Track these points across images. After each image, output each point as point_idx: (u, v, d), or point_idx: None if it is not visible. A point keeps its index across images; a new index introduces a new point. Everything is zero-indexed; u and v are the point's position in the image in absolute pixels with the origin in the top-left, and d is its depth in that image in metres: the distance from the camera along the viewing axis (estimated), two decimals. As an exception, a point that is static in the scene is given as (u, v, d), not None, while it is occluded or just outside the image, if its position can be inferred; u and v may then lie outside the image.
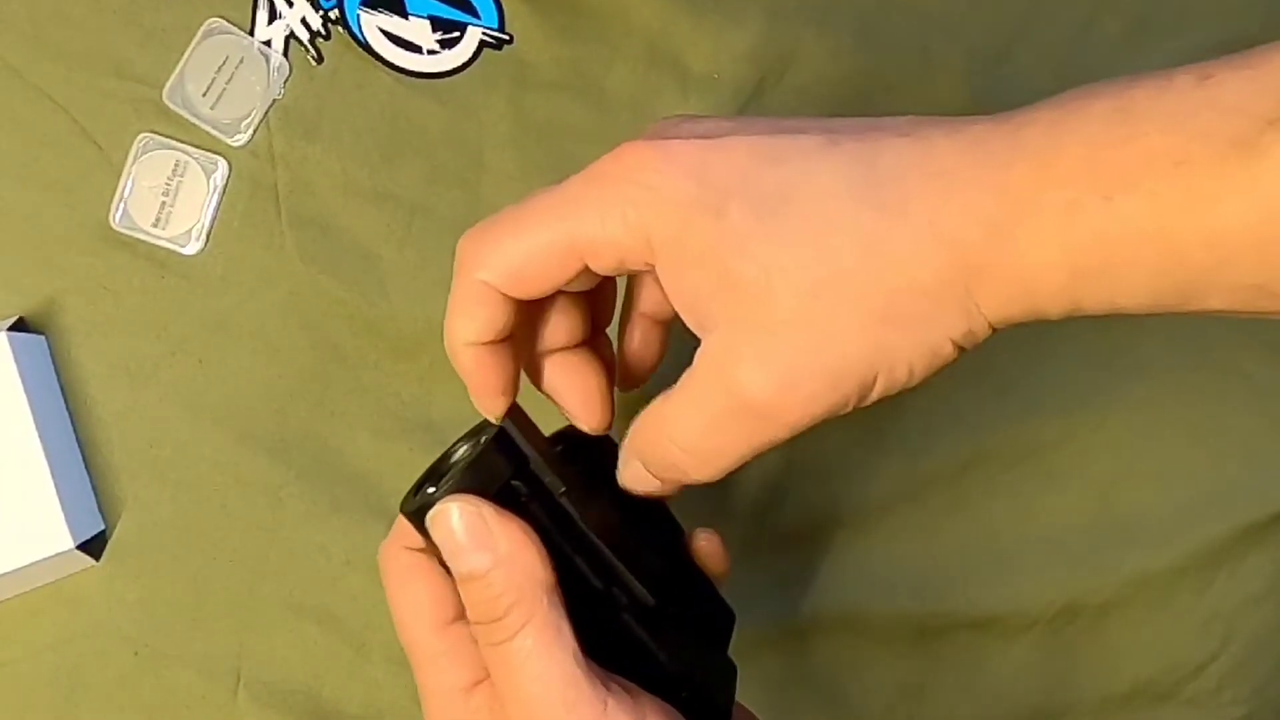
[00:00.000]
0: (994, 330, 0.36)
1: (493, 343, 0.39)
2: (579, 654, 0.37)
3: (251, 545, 0.56)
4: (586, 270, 0.38)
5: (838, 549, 0.58)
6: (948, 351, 0.36)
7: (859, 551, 0.58)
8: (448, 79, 0.59)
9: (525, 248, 0.38)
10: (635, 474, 0.41)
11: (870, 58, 0.60)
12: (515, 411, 0.40)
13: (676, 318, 0.39)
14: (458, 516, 0.37)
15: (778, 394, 0.36)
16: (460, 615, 0.40)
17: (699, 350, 0.37)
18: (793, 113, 0.60)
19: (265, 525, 0.57)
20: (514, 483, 0.39)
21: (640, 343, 0.44)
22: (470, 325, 0.39)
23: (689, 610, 0.43)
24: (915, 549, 0.58)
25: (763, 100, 0.60)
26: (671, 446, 0.38)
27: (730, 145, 0.36)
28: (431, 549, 0.39)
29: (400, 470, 0.57)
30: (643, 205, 0.36)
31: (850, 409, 0.36)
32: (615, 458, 0.42)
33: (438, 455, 0.58)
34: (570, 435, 0.43)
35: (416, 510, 0.39)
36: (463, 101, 0.59)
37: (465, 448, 0.41)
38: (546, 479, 0.40)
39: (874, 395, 0.36)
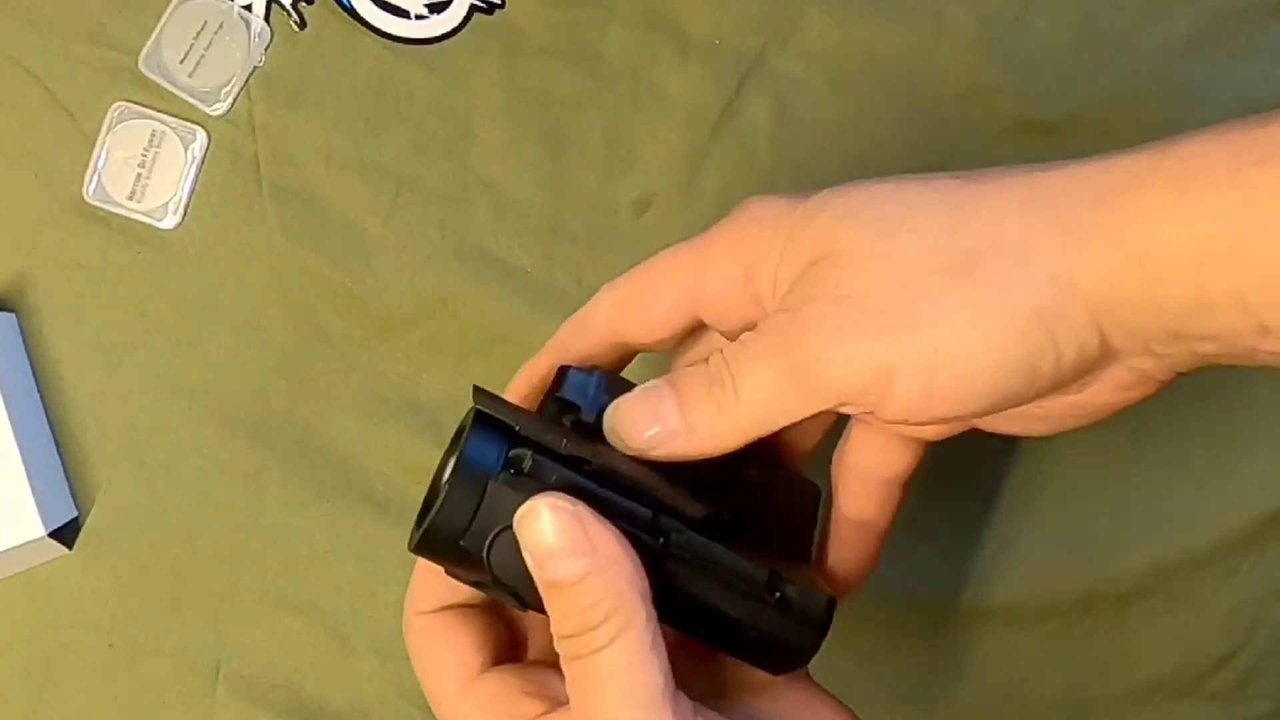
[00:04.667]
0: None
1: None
2: (670, 678, 0.35)
3: (231, 533, 0.56)
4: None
5: None
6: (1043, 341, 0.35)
7: None
8: (436, 45, 0.59)
9: (646, 275, 0.41)
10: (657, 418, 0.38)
11: (879, 23, 0.59)
12: (483, 393, 0.38)
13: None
14: (548, 518, 0.35)
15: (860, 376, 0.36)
16: (487, 664, 0.39)
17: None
18: (798, 80, 0.59)
19: (246, 512, 0.56)
20: (513, 453, 0.37)
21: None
22: (569, 351, 0.41)
23: (761, 502, 0.40)
24: (925, 539, 0.57)
25: (766, 67, 0.59)
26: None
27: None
28: (451, 574, 0.38)
29: (387, 454, 0.57)
30: (744, 221, 0.39)
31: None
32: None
33: (425, 438, 0.57)
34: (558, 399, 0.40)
35: (424, 537, 0.36)
36: (452, 68, 0.59)
37: (451, 459, 0.39)
38: (546, 438, 0.37)
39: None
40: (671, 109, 0.58)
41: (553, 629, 0.36)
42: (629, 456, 0.38)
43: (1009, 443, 0.58)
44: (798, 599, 0.38)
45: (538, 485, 0.36)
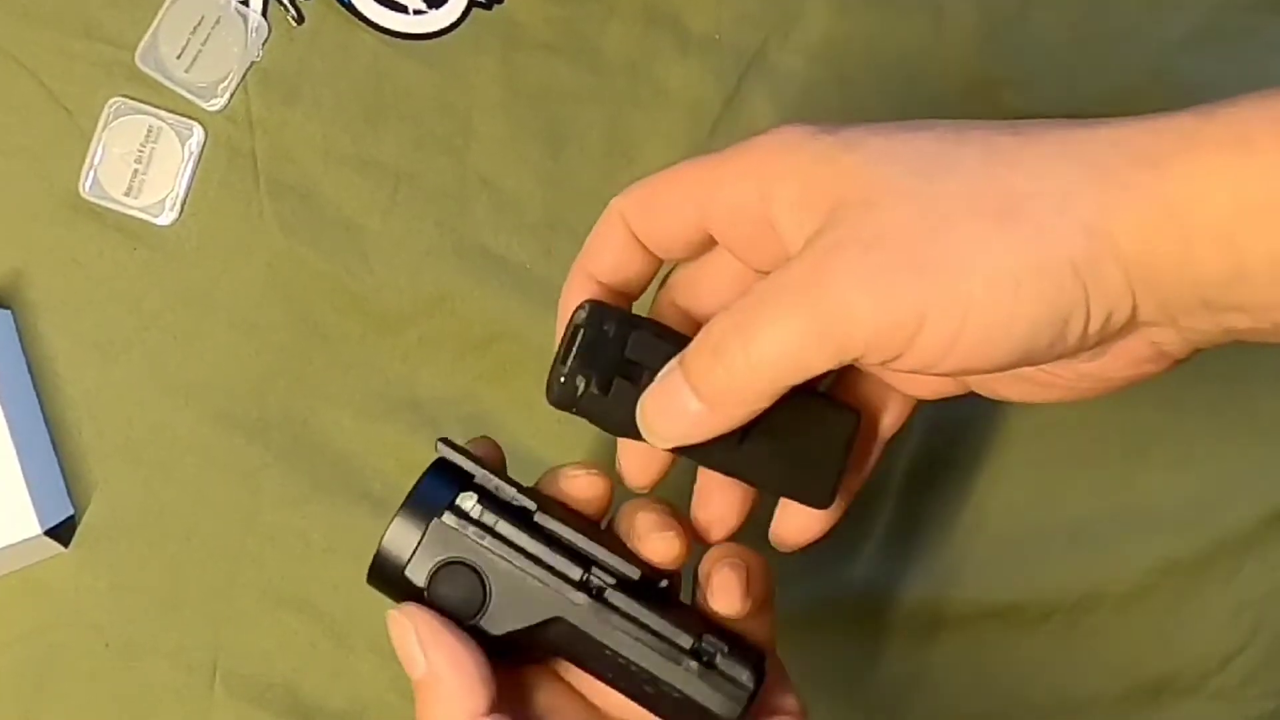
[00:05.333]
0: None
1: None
2: None
3: (228, 531, 0.56)
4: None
5: (846, 534, 0.55)
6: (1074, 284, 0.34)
7: (868, 536, 0.58)
8: (435, 40, 0.59)
9: (660, 184, 0.40)
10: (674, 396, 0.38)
11: (880, 17, 0.59)
12: (447, 443, 0.41)
13: None
14: (390, 625, 0.39)
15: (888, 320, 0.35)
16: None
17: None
18: (799, 75, 0.58)
19: (243, 510, 0.56)
20: (460, 496, 0.39)
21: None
22: (599, 260, 0.41)
23: (784, 445, 0.40)
24: (925, 535, 0.57)
25: (766, 62, 0.58)
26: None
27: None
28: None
29: (384, 451, 0.56)
30: (765, 142, 0.38)
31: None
32: None
33: (424, 435, 0.57)
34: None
35: (372, 567, 0.40)
36: (451, 64, 0.58)
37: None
38: (492, 485, 0.40)
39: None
40: (672, 104, 0.58)
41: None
42: (577, 517, 0.41)
43: (1009, 441, 0.58)
44: (722, 667, 0.39)
45: (478, 528, 0.39)
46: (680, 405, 0.38)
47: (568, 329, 0.40)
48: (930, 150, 0.35)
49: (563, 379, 0.39)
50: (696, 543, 0.42)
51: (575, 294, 0.41)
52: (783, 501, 0.43)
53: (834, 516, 0.43)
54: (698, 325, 0.38)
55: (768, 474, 0.40)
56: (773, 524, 0.44)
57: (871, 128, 0.36)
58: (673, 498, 0.43)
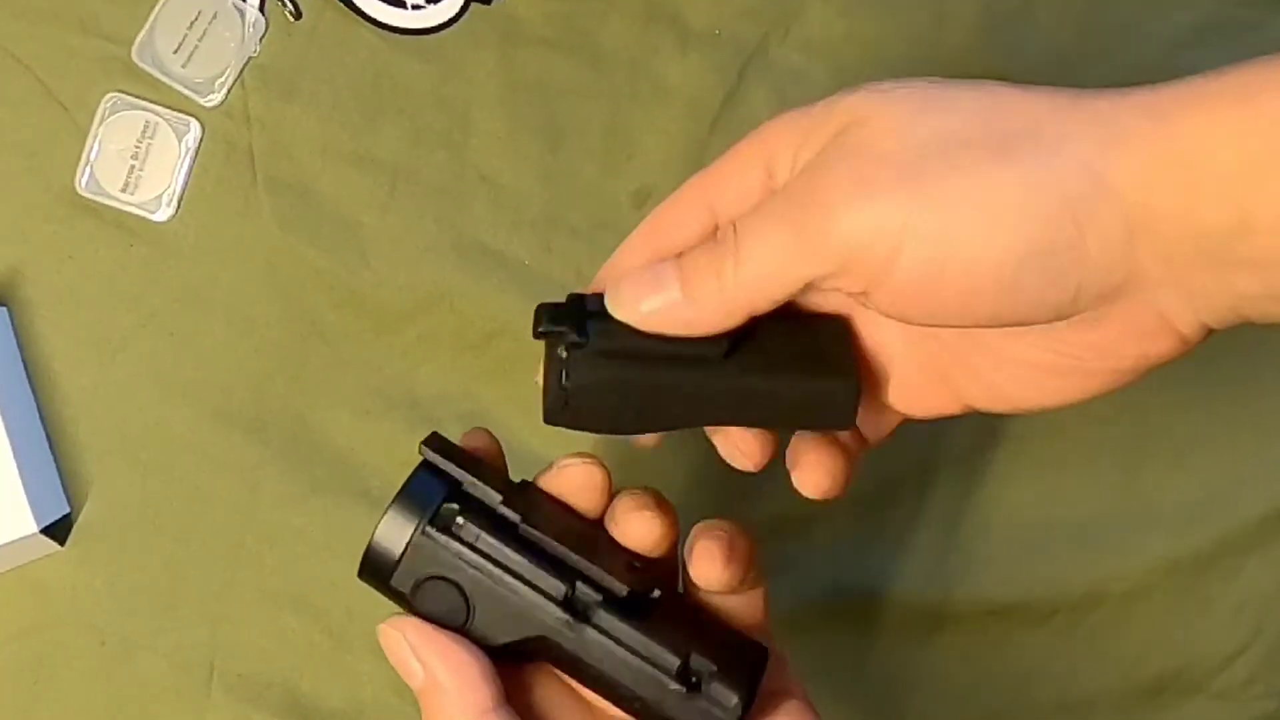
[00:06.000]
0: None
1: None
2: None
3: (226, 529, 0.56)
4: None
5: (847, 531, 0.57)
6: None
7: (869, 534, 0.58)
8: (433, 35, 0.58)
9: (668, 204, 0.40)
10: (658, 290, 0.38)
11: (881, 13, 0.59)
12: (435, 441, 0.40)
13: None
14: (382, 638, 0.39)
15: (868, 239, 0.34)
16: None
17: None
18: (800, 71, 0.58)
19: (240, 508, 0.56)
20: (444, 509, 0.39)
21: None
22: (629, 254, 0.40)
23: (787, 338, 0.39)
24: (929, 532, 0.57)
25: (767, 58, 0.58)
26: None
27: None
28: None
29: (383, 449, 0.56)
30: (764, 127, 0.38)
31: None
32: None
33: (422, 433, 0.56)
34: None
35: (361, 570, 0.40)
36: (449, 59, 0.58)
37: None
38: (476, 492, 0.39)
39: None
40: (671, 100, 0.58)
41: None
42: (570, 519, 0.40)
43: (1012, 439, 0.57)
44: (710, 690, 0.38)
45: (460, 544, 0.38)
46: (661, 285, 0.37)
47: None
48: (931, 93, 0.35)
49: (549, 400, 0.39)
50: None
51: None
52: (798, 449, 0.41)
53: (851, 458, 0.41)
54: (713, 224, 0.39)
55: (781, 405, 0.39)
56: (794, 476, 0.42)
57: (869, 85, 0.36)
58: (664, 488, 0.42)
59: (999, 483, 0.57)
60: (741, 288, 0.36)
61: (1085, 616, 0.57)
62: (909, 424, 0.43)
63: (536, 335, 0.39)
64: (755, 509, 0.57)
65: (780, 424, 0.40)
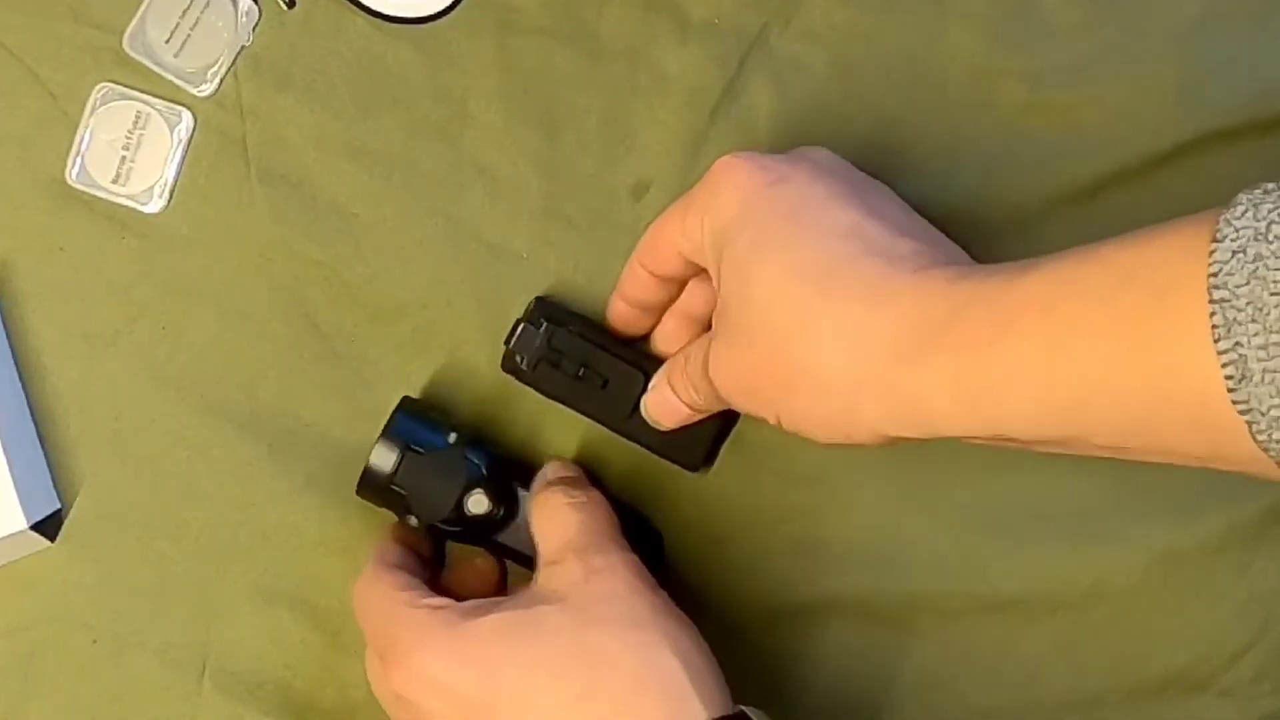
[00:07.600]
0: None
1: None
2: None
3: (219, 525, 0.56)
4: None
5: (847, 526, 0.57)
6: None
7: (870, 529, 0.57)
8: (429, 24, 0.58)
9: (648, 238, 0.53)
10: (662, 397, 0.54)
11: (883, 3, 0.58)
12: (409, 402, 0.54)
13: None
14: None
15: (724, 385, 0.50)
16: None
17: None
18: (799, 60, 0.58)
19: (233, 504, 0.56)
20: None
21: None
22: (630, 293, 0.55)
23: None
24: (931, 528, 0.57)
25: (767, 47, 0.58)
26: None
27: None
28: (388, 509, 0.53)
29: None
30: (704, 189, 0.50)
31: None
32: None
33: None
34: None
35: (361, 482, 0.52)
36: (445, 49, 0.58)
37: None
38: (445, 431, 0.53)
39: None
40: (670, 90, 0.57)
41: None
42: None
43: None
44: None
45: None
46: (671, 407, 0.54)
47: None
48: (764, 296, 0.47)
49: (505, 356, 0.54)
50: None
51: (620, 321, 0.55)
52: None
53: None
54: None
55: (651, 441, 0.55)
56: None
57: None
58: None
59: (999, 476, 0.57)
60: (711, 402, 0.52)
61: (1088, 612, 0.57)
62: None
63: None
64: (753, 506, 0.57)
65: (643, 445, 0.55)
